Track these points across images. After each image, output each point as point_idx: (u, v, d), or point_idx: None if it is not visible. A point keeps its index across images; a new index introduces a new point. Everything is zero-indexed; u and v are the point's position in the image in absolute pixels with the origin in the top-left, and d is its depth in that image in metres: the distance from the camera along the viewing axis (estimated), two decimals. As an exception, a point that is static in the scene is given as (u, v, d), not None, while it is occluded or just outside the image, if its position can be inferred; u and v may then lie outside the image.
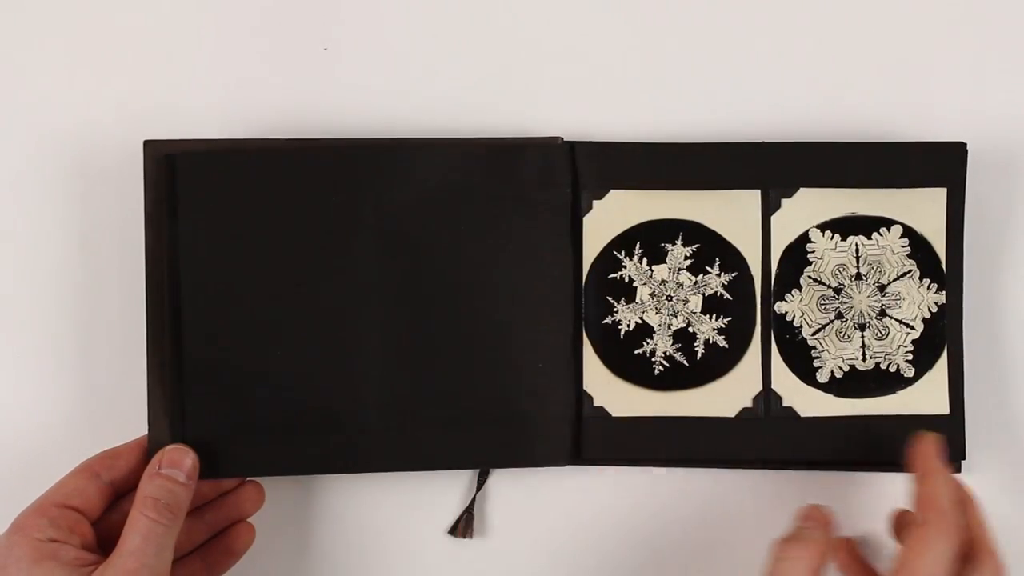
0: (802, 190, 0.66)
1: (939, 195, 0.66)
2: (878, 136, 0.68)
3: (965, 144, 0.66)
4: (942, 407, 0.66)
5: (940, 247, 0.66)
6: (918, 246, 0.66)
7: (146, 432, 0.64)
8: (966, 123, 0.69)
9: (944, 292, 0.66)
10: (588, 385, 0.66)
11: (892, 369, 0.66)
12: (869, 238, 0.66)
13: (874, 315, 0.66)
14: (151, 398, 0.64)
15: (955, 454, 0.66)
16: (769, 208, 0.66)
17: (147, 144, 0.64)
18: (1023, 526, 0.68)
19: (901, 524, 0.66)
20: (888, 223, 0.66)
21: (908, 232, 0.66)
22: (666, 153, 0.66)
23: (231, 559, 0.65)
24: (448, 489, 0.68)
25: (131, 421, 0.65)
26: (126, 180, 0.67)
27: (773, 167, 0.66)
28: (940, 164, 0.66)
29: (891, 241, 0.66)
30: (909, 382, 0.66)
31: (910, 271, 0.66)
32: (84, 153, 0.69)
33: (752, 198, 0.66)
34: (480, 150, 0.65)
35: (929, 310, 0.66)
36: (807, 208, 0.66)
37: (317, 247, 0.64)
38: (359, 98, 0.69)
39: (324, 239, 0.64)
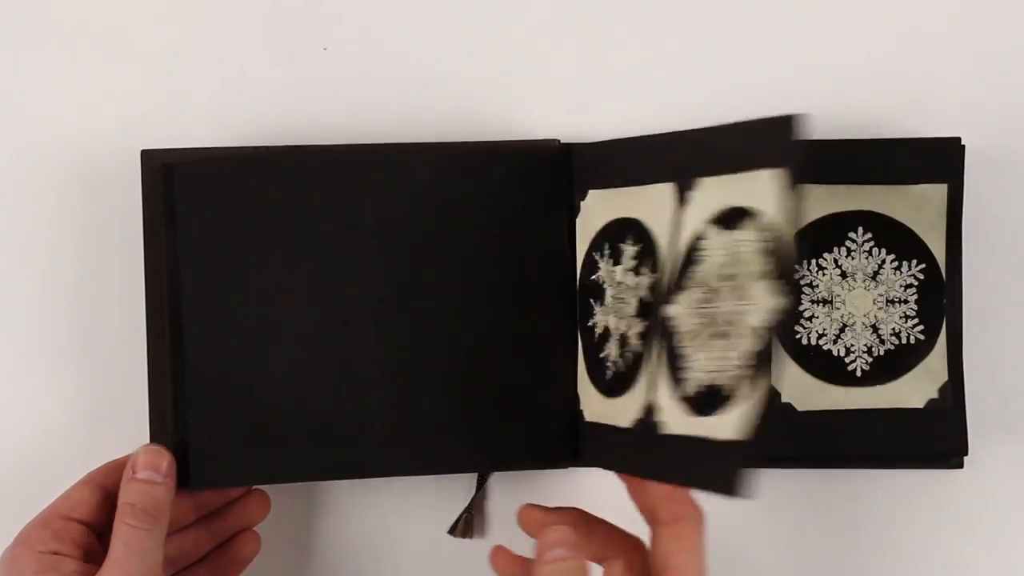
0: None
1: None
2: (874, 133, 0.68)
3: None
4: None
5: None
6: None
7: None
8: (963, 120, 0.68)
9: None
10: (579, 389, 0.65)
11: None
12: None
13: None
14: (153, 408, 0.64)
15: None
16: None
17: (144, 154, 0.64)
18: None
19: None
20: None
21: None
22: (644, 146, 0.62)
23: (237, 568, 0.65)
24: (448, 489, 0.68)
25: (134, 431, 0.65)
26: (126, 187, 0.67)
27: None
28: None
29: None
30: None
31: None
32: (84, 160, 0.69)
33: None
34: (477, 153, 0.65)
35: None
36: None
37: (316, 253, 0.64)
38: (359, 98, 0.69)
39: (322, 244, 0.64)
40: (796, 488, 0.68)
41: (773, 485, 0.68)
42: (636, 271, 0.61)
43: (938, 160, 0.65)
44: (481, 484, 0.68)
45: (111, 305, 0.69)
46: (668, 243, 0.59)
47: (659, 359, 0.58)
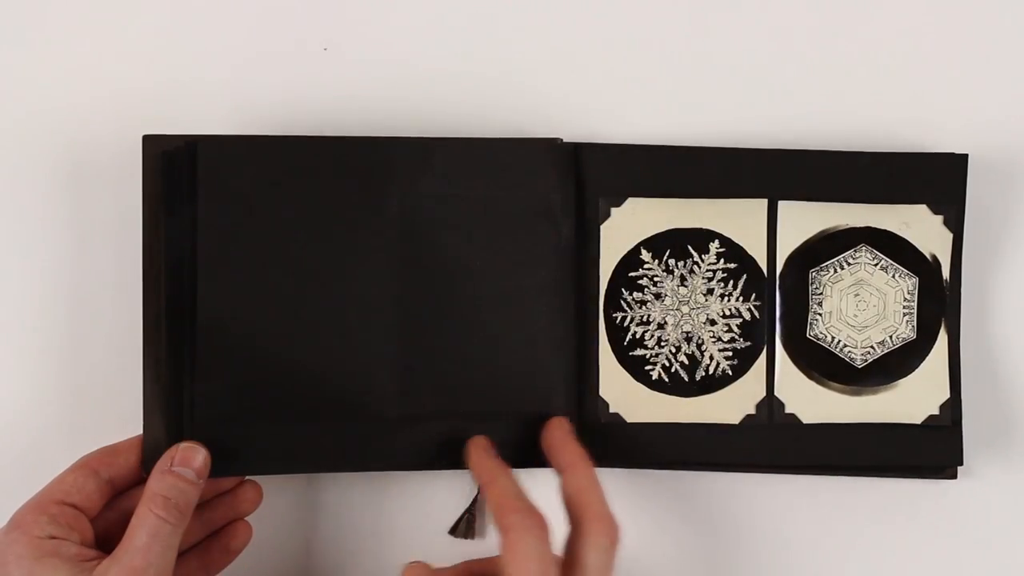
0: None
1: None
2: (881, 147, 0.68)
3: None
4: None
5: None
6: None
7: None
8: (965, 131, 0.69)
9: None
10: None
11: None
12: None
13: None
14: (146, 395, 0.63)
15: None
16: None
17: (146, 139, 0.64)
18: (1020, 529, 0.69)
19: None
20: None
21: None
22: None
23: (228, 558, 0.65)
24: (449, 489, 0.68)
25: (128, 417, 0.64)
26: (122, 176, 0.66)
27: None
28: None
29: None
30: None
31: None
32: (80, 149, 0.68)
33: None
34: (481, 148, 0.66)
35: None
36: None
37: (334, 237, 0.64)
38: (359, 98, 0.69)
39: (340, 230, 0.64)
40: (799, 492, 0.68)
41: (776, 489, 0.68)
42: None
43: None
44: (482, 484, 0.67)
45: (108, 291, 0.68)
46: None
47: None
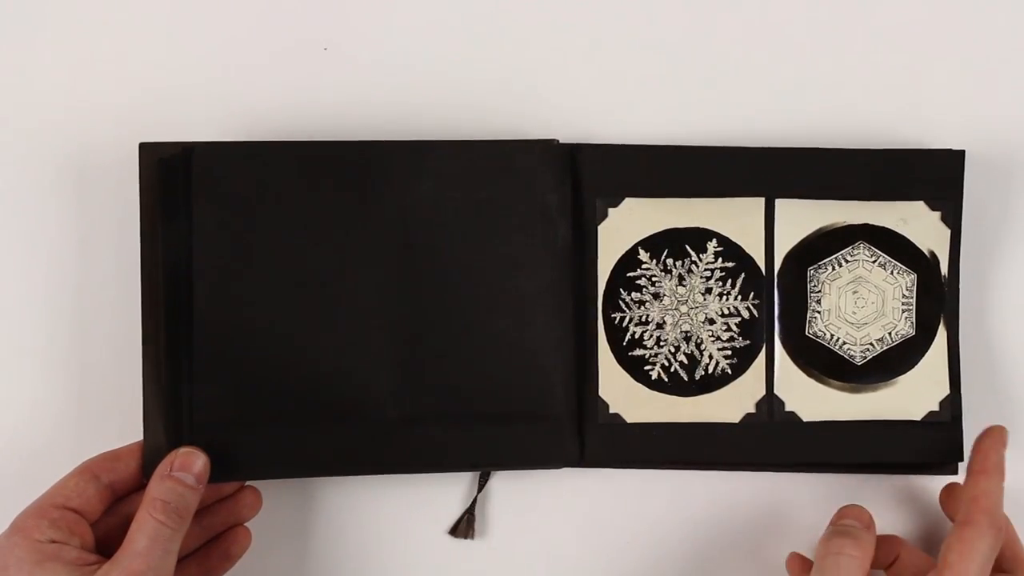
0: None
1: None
2: (878, 144, 0.68)
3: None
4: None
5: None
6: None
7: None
8: (961, 128, 0.69)
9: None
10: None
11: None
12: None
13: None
14: (147, 401, 0.63)
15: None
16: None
17: (142, 147, 0.64)
18: (1021, 524, 0.69)
19: (950, 497, 0.66)
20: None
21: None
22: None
23: (227, 563, 0.65)
24: (449, 490, 0.68)
25: (129, 423, 0.65)
26: (122, 180, 0.67)
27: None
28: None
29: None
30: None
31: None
32: (81, 154, 0.69)
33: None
34: (477, 150, 0.66)
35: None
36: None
37: (330, 241, 0.64)
38: (359, 98, 0.69)
39: (336, 234, 0.64)
40: (799, 491, 0.68)
41: (777, 488, 0.68)
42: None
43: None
44: (482, 484, 0.67)
45: (108, 296, 0.68)
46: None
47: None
